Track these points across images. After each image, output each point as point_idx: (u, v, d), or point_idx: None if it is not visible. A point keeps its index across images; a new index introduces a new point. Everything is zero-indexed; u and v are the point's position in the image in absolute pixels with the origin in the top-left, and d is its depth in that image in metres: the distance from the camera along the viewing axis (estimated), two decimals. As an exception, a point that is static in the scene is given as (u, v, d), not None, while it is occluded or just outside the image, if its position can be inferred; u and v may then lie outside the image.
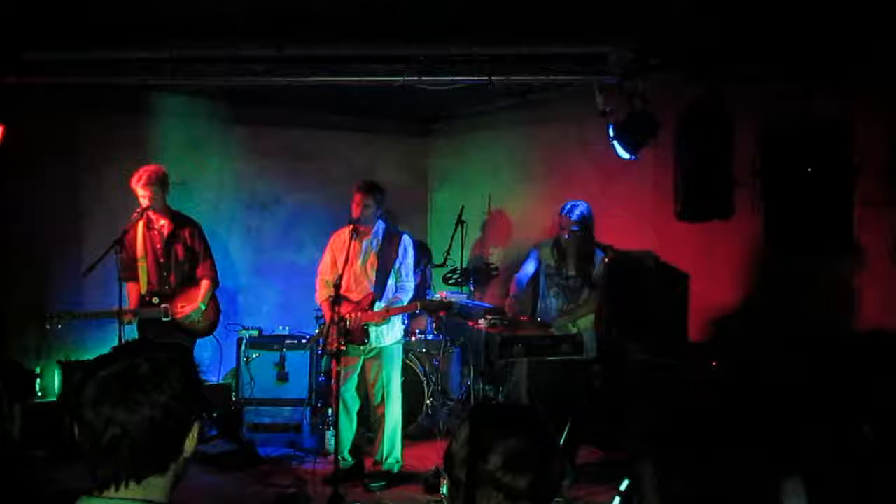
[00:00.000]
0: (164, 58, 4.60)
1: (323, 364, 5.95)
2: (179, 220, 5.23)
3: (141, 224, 5.09)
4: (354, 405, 5.11)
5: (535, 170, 6.78)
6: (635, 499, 3.85)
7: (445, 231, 7.09)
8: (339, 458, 4.70)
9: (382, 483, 4.94)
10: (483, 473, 1.55)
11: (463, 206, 6.90)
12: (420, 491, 4.88)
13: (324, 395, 5.85)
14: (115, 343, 3.87)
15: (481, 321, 5.01)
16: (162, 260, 5.13)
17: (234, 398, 5.97)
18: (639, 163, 4.93)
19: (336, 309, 4.63)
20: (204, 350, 5.84)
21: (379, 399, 5.04)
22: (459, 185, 7.62)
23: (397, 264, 5.03)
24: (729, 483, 3.32)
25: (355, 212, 4.91)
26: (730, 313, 5.02)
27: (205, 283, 5.22)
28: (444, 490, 4.14)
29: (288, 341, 5.93)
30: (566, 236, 5.00)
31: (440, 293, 6.38)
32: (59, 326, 4.94)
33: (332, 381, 4.83)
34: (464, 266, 6.83)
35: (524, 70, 4.70)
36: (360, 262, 5.01)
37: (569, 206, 4.98)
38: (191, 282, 5.22)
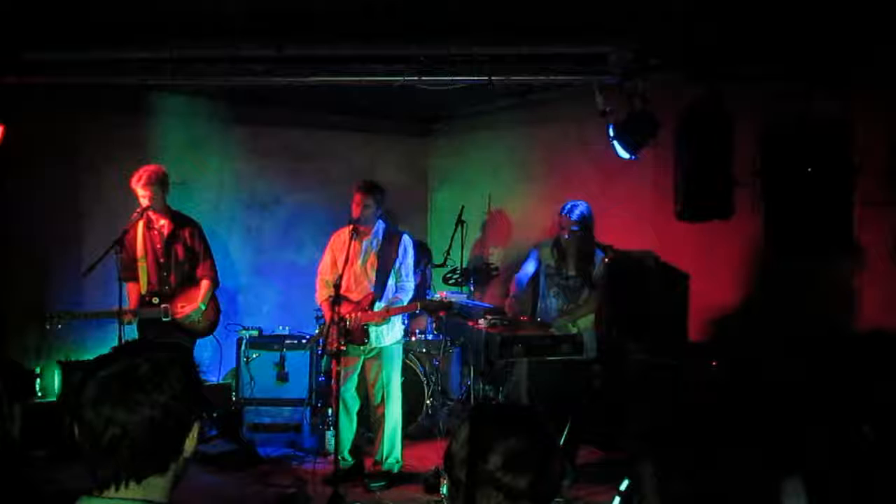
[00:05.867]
0: (164, 58, 4.60)
1: (323, 364, 5.95)
2: (179, 220, 5.23)
3: (141, 224, 5.09)
4: (354, 405, 5.11)
5: (535, 170, 6.78)
6: (635, 499, 3.85)
7: (445, 231, 7.09)
8: (339, 458, 4.70)
9: (382, 483, 4.94)
10: (483, 473, 1.55)
11: (463, 206, 6.90)
12: (420, 491, 4.88)
13: (324, 395, 5.85)
14: (115, 343, 3.87)
15: (481, 321, 5.01)
16: (162, 260, 5.13)
17: (234, 398, 5.97)
18: (639, 163, 4.93)
19: (336, 309, 4.63)
20: (204, 350, 5.84)
21: (379, 399, 5.04)
22: (459, 185, 7.62)
23: (397, 264, 5.04)
24: (729, 483, 3.32)
25: (355, 212, 4.92)
26: (730, 313, 5.02)
27: (205, 283, 5.22)
28: (444, 490, 4.14)
29: (288, 341, 5.93)
30: (566, 236, 4.99)
31: (440, 293, 6.38)
32: (59, 326, 4.94)
33: (332, 381, 4.83)
34: (464, 266, 6.83)
35: (524, 70, 4.70)
36: (360, 262, 5.01)
37: (569, 206, 4.98)
38: (191, 282, 5.21)
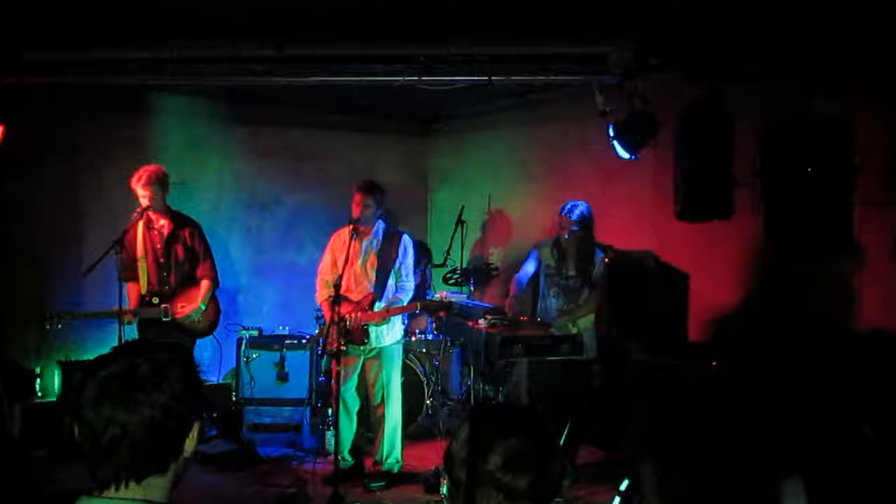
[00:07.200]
0: (164, 58, 4.60)
1: (323, 364, 5.95)
2: (179, 220, 5.23)
3: (141, 224, 5.09)
4: (354, 405, 5.11)
5: (535, 170, 6.78)
6: (635, 499, 3.85)
7: (445, 231, 7.09)
8: (339, 458, 4.70)
9: (382, 483, 4.95)
10: (483, 473, 1.55)
11: (463, 206, 6.90)
12: (420, 491, 4.88)
13: (324, 395, 5.85)
14: (115, 343, 3.88)
15: (481, 321, 5.01)
16: (162, 260, 5.13)
17: (234, 398, 5.97)
18: (639, 163, 4.93)
19: (336, 309, 4.63)
20: (204, 350, 5.84)
21: (379, 399, 5.05)
22: (459, 185, 7.62)
23: (397, 264, 5.04)
24: (729, 483, 3.32)
25: (355, 212, 4.92)
26: (730, 313, 5.02)
27: (205, 283, 5.22)
28: (444, 490, 4.14)
29: (288, 341, 5.93)
30: (566, 236, 5.00)
31: (440, 293, 6.38)
32: (59, 326, 4.93)
33: (332, 381, 4.83)
34: (464, 266, 6.83)
35: (524, 70, 4.70)
36: (360, 262, 5.01)
37: (569, 206, 4.98)
38: (191, 282, 5.21)
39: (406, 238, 5.14)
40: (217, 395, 5.99)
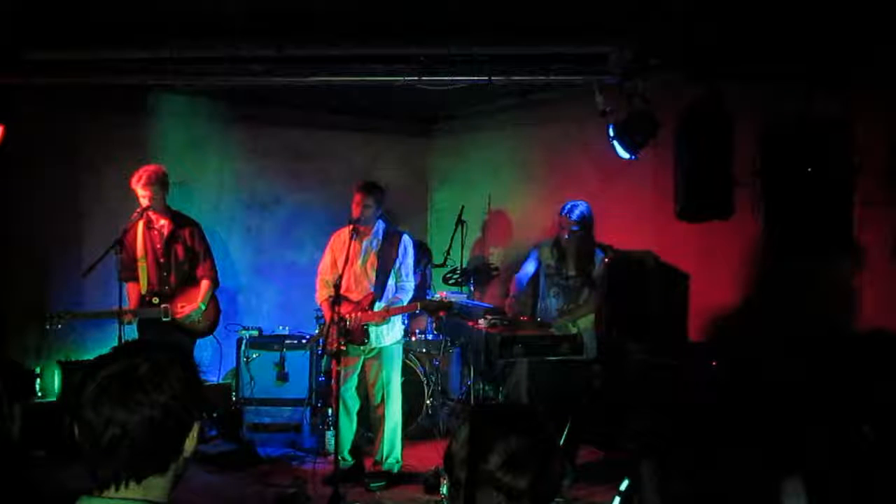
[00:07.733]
0: (164, 58, 4.60)
1: (323, 364, 5.95)
2: (179, 220, 5.23)
3: (141, 224, 5.09)
4: (354, 405, 5.11)
5: (535, 170, 6.79)
6: (635, 499, 3.85)
7: (445, 231, 7.09)
8: (339, 458, 4.70)
9: (382, 483, 4.95)
10: (483, 473, 1.55)
11: (463, 206, 6.90)
12: (420, 491, 4.88)
13: (324, 395, 5.85)
14: (115, 343, 3.88)
15: (481, 321, 5.01)
16: (162, 260, 5.13)
17: (234, 398, 5.97)
18: (639, 163, 4.93)
19: (336, 309, 4.64)
20: (204, 350, 5.85)
21: (379, 399, 5.05)
22: (459, 185, 7.62)
23: (397, 264, 5.04)
24: (729, 483, 3.32)
25: (355, 212, 4.92)
26: (730, 313, 5.02)
27: (205, 283, 5.22)
28: (444, 490, 4.14)
29: (288, 341, 5.93)
30: (566, 236, 5.00)
31: (440, 293, 6.38)
32: (59, 326, 4.93)
33: (332, 381, 4.83)
34: (464, 266, 6.83)
35: (524, 70, 4.70)
36: (360, 262, 5.01)
37: (569, 206, 4.98)
38: (191, 282, 5.21)
39: (406, 238, 5.14)
40: (217, 395, 5.99)
